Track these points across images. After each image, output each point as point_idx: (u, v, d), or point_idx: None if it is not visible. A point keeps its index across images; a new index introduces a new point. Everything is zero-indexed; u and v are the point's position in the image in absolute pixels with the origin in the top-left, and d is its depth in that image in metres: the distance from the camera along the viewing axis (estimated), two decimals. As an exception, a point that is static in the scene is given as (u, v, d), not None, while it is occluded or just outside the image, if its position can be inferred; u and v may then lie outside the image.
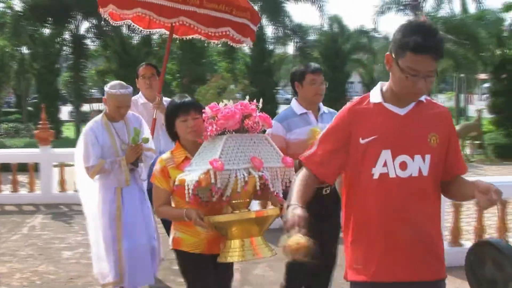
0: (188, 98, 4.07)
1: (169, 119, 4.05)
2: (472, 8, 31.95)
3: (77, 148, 5.60)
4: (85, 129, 5.47)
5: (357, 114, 3.00)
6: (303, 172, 3.08)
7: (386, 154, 2.87)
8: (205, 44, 30.39)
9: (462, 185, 2.99)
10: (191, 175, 3.54)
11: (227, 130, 3.60)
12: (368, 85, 48.34)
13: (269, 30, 32.19)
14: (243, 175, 3.51)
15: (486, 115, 24.10)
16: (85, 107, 35.30)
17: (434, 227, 2.99)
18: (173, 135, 4.08)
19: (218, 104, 3.70)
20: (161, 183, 3.95)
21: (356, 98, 3.13)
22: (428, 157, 2.89)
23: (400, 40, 2.78)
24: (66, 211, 10.47)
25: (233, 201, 3.64)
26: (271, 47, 31.44)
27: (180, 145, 4.03)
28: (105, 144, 5.37)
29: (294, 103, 5.02)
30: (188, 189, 3.50)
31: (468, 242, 7.22)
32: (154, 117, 6.25)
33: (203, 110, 3.76)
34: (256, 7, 31.57)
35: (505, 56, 23.31)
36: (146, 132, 5.71)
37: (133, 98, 6.45)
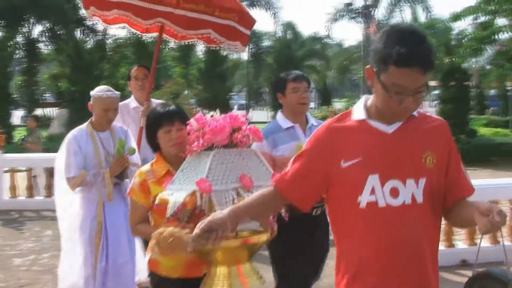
0: (172, 107, 3.68)
1: (150, 129, 3.66)
2: (422, 17, 32.77)
3: (59, 155, 5.17)
4: (68, 136, 5.07)
5: (337, 133, 2.52)
6: (267, 188, 2.71)
7: (373, 180, 2.43)
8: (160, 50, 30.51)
9: (463, 208, 2.46)
10: (175, 196, 3.13)
11: (214, 145, 3.19)
12: (321, 91, 49.03)
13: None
14: (232, 196, 3.12)
15: (436, 121, 24.63)
16: (38, 112, 34.88)
17: (431, 261, 2.52)
18: (155, 146, 3.68)
19: (204, 115, 3.31)
20: (139, 199, 3.56)
21: (336, 115, 2.64)
22: (422, 181, 2.44)
23: (382, 51, 2.31)
24: (17, 218, 10.38)
25: None
26: (225, 53, 31.62)
27: (161, 157, 3.64)
28: (88, 154, 5.00)
29: (279, 116, 4.64)
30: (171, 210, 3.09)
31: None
32: (141, 125, 5.76)
33: (188, 122, 3.30)
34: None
35: (453, 64, 23.88)
36: (133, 144, 5.33)
37: (124, 102, 6.11)
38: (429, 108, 45.12)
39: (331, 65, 38.66)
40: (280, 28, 33.99)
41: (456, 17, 18.97)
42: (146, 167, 3.65)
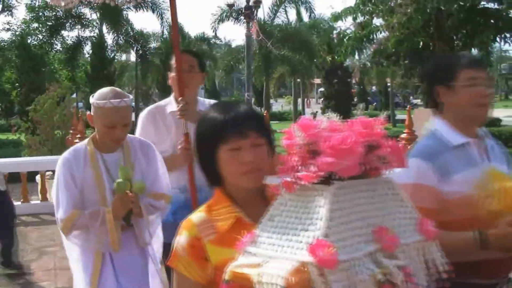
0: (242, 106, 2.08)
1: (204, 146, 2.06)
2: (306, 17, 33.86)
3: (53, 188, 3.56)
4: (59, 162, 3.45)
5: None
6: None
7: None
8: (45, 52, 29.89)
9: None
10: (267, 270, 1.65)
11: (335, 175, 1.70)
12: (210, 91, 49.49)
13: (110, 38, 32.19)
14: (372, 271, 1.62)
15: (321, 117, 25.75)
16: None
17: None
18: (213, 177, 2.09)
19: (311, 117, 1.93)
20: (189, 271, 2.04)
21: None
22: None
23: None
24: None
25: None
26: (111, 54, 31.34)
27: (225, 196, 2.07)
28: (86, 186, 3.39)
29: (442, 125, 2.78)
30: None
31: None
32: (185, 131, 3.92)
33: (284, 131, 1.79)
34: (95, 16, 31.62)
35: (335, 61, 24.87)
36: (154, 172, 3.60)
37: (158, 104, 4.30)
38: (316, 105, 46.56)
39: (218, 65, 39.18)
40: (167, 29, 34.08)
41: (337, 17, 19.73)
42: (199, 215, 2.08)
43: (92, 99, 3.36)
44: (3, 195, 6.85)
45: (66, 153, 3.47)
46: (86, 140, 3.52)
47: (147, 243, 3.55)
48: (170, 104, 4.12)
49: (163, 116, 4.07)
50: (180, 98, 3.94)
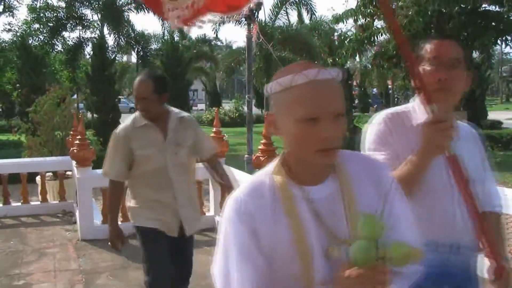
0: None
1: None
2: (307, 19, 33.85)
3: (216, 257, 1.85)
4: (227, 210, 1.83)
5: None
6: None
7: None
8: (46, 53, 29.86)
9: None
10: None
11: None
12: (211, 93, 49.46)
13: (111, 39, 32.18)
14: None
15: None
16: None
17: None
18: None
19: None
20: None
21: None
22: None
23: None
24: None
25: None
26: (112, 56, 31.33)
27: None
28: (276, 249, 1.77)
29: None
30: None
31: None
32: (449, 153, 2.33)
33: None
34: (96, 17, 31.62)
35: (336, 63, 24.85)
36: (397, 215, 1.86)
37: (396, 109, 2.78)
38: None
39: (220, 67, 39.25)
40: (168, 30, 34.09)
41: (338, 19, 19.74)
42: None
43: (268, 86, 1.84)
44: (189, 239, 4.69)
45: (238, 192, 1.85)
46: (270, 167, 1.91)
47: None
48: (416, 112, 2.69)
49: (403, 127, 2.65)
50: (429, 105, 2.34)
